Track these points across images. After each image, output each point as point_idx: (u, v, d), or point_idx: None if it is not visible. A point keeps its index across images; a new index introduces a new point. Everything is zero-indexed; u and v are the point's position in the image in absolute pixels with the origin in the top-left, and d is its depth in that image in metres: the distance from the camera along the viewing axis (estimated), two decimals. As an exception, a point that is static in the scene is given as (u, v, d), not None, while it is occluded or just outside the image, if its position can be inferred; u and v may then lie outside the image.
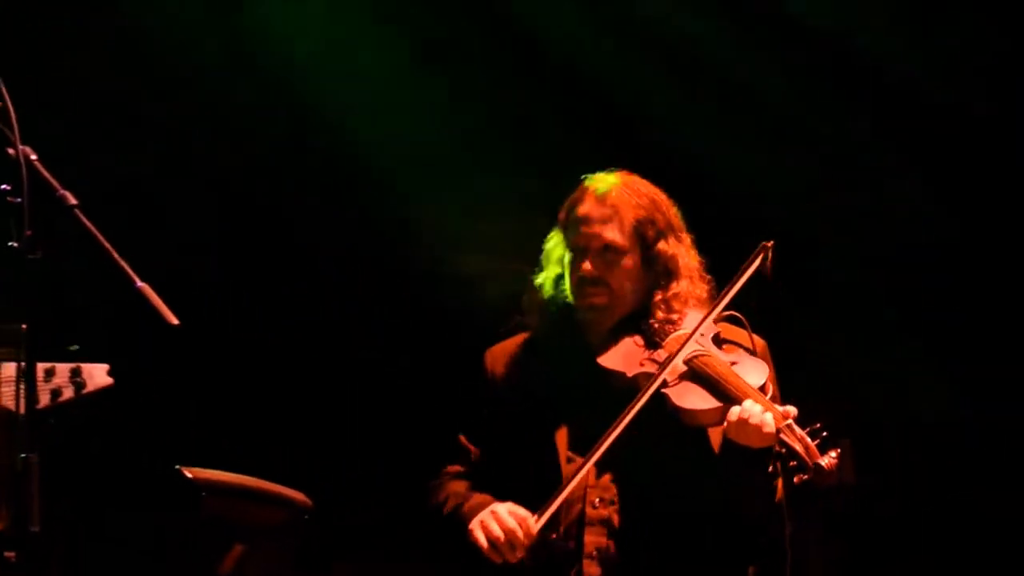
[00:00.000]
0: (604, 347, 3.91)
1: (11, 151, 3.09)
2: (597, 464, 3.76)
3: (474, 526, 3.79)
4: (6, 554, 3.04)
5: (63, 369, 3.43)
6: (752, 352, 3.87)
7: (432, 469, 4.05)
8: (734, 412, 3.67)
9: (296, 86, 5.90)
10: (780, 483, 3.73)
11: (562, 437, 3.86)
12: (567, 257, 3.96)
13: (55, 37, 5.72)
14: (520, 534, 3.72)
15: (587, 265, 3.91)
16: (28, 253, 3.03)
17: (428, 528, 4.01)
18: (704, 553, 3.80)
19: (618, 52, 5.95)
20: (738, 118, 5.91)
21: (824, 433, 3.60)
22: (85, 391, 3.45)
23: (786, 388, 3.94)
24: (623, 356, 3.87)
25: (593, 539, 3.80)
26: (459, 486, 3.96)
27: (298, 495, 4.35)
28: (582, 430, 3.82)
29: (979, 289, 5.82)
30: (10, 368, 3.33)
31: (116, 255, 3.09)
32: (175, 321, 3.09)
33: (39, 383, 3.29)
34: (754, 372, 3.78)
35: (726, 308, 3.88)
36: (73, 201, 3.11)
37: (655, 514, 3.78)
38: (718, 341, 3.88)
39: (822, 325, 5.86)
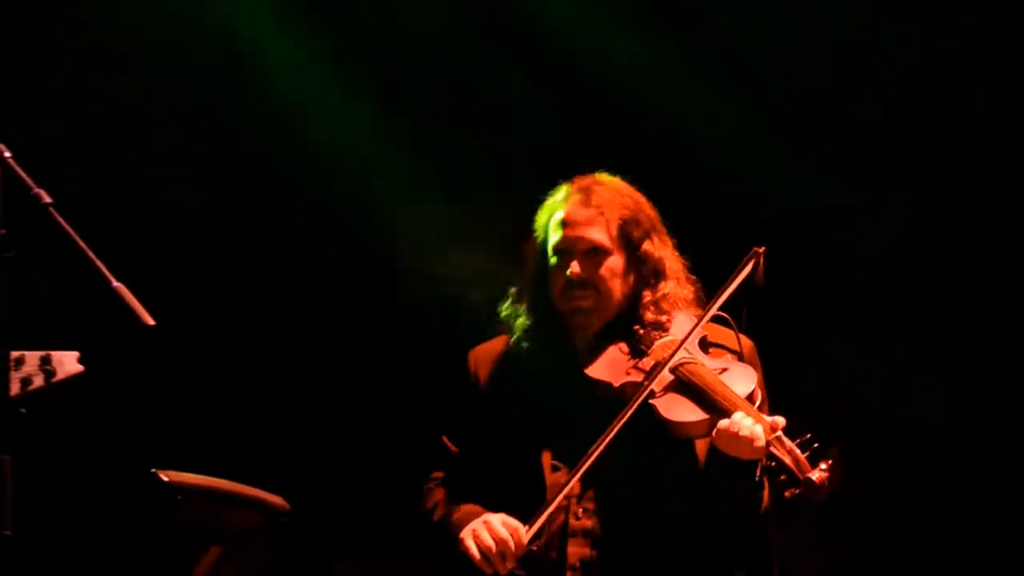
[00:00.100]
0: (590, 355, 3.85)
1: None
2: (582, 476, 3.69)
3: (465, 535, 3.73)
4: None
5: (32, 357, 3.34)
6: (739, 355, 3.82)
7: (426, 470, 4.02)
8: (723, 424, 3.60)
9: (296, 86, 5.90)
10: (766, 492, 3.68)
11: (547, 446, 3.79)
12: (550, 261, 3.89)
13: (55, 37, 5.72)
14: (512, 544, 3.66)
15: (574, 267, 3.84)
16: (2, 251, 3.00)
17: (425, 530, 3.99)
18: (688, 563, 3.75)
19: (617, 50, 5.95)
20: (738, 118, 5.90)
21: (815, 444, 3.54)
22: (56, 379, 3.35)
23: (786, 389, 3.92)
24: (609, 365, 3.81)
25: (576, 550, 3.75)
26: (447, 493, 3.91)
27: (275, 498, 4.29)
28: (567, 440, 3.74)
29: (979, 289, 5.81)
30: None
31: (91, 254, 3.04)
32: (151, 322, 3.04)
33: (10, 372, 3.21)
34: (742, 380, 3.71)
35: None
36: (48, 200, 3.06)
37: (639, 524, 3.73)
38: (704, 345, 3.82)
39: (822, 325, 5.85)
